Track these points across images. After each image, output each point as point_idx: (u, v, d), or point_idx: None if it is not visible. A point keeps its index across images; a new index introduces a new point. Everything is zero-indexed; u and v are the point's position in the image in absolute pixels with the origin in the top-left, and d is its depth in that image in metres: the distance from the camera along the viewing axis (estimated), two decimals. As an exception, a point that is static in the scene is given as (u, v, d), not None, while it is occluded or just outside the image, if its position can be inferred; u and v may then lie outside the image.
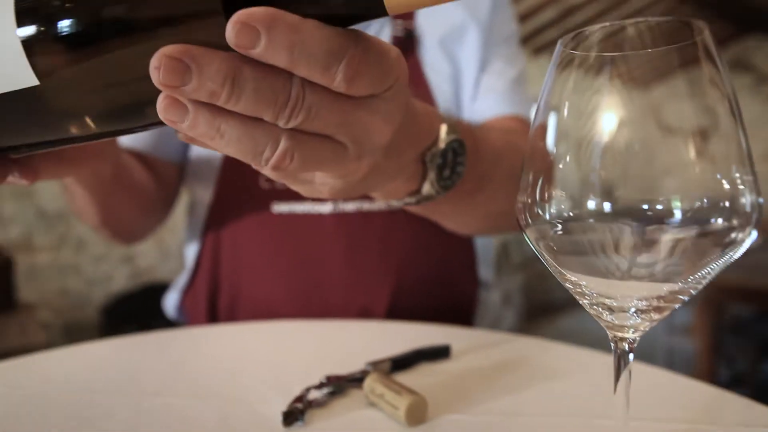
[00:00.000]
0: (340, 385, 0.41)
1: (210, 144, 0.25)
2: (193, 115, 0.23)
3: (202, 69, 0.22)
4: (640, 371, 0.44)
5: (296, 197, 0.64)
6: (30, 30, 0.23)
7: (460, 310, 0.71)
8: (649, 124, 0.25)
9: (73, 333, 2.50)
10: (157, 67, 0.22)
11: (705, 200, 0.23)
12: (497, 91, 0.70)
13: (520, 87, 0.71)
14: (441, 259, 0.67)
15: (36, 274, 2.41)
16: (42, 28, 0.23)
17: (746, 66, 6.08)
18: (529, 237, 0.25)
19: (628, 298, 0.22)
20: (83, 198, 0.58)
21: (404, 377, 0.44)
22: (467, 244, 0.70)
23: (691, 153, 0.23)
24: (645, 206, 0.24)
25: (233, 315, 0.67)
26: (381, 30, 0.68)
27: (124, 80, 0.24)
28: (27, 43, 0.23)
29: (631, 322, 0.23)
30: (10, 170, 0.33)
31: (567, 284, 0.24)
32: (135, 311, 2.54)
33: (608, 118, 0.25)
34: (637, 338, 0.24)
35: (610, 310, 0.23)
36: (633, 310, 0.22)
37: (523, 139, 0.60)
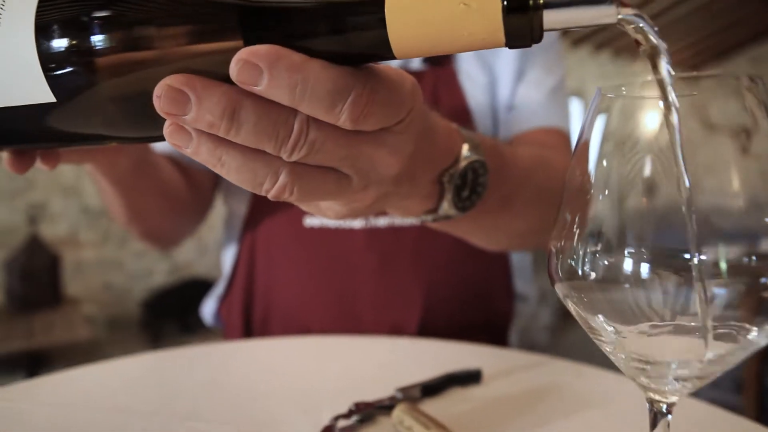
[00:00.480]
0: (368, 413, 0.41)
1: (213, 170, 0.25)
2: (196, 142, 0.24)
3: (201, 101, 0.22)
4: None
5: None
6: (48, 49, 0.24)
7: (494, 325, 0.70)
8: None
9: (115, 326, 2.59)
10: (159, 96, 0.22)
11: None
12: (534, 102, 0.68)
13: (558, 97, 0.69)
14: (473, 274, 0.66)
15: (81, 269, 2.51)
16: (61, 50, 0.24)
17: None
18: (559, 291, 0.24)
19: (667, 364, 0.21)
20: (108, 191, 0.59)
21: (434, 404, 0.44)
22: (501, 259, 0.69)
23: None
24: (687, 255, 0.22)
25: (267, 326, 0.68)
26: None
27: (136, 102, 0.24)
28: (45, 61, 0.24)
29: (670, 387, 0.21)
30: (35, 157, 0.33)
31: (598, 341, 0.23)
32: (173, 306, 2.61)
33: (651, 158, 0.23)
34: (676, 402, 0.22)
35: (647, 374, 0.22)
36: (672, 377, 0.21)
37: (557, 155, 0.59)
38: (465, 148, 0.37)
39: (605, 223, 0.23)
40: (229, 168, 0.25)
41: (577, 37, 5.02)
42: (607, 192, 0.23)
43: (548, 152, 0.57)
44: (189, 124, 0.23)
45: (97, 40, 0.23)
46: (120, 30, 0.23)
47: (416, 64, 0.66)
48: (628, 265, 0.21)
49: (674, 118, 0.23)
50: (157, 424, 0.41)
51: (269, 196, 0.26)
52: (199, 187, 0.71)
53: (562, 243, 0.24)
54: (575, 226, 0.23)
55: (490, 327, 0.69)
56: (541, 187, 0.49)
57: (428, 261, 0.63)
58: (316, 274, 0.64)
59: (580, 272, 0.22)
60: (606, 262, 0.22)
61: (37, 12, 0.24)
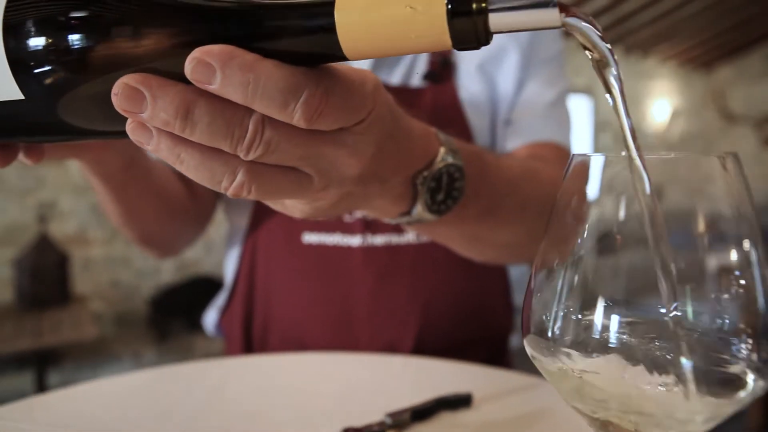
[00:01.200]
0: (357, 439, 0.42)
1: (174, 167, 0.26)
2: (156, 140, 0.25)
3: (156, 99, 0.23)
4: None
5: (326, 229, 0.64)
6: (15, 46, 0.25)
7: (492, 339, 0.70)
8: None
9: (123, 323, 2.62)
10: (116, 94, 0.23)
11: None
12: (532, 116, 0.68)
13: (557, 111, 0.69)
14: (471, 292, 0.66)
15: (90, 266, 2.54)
16: (27, 47, 0.25)
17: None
18: (527, 345, 0.25)
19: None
20: (100, 190, 0.58)
21: (424, 429, 0.44)
22: (499, 275, 0.69)
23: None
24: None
25: (266, 340, 0.69)
26: (417, 57, 0.67)
27: (100, 100, 0.25)
28: (12, 61, 0.25)
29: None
30: (17, 151, 0.34)
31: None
32: (181, 303, 2.64)
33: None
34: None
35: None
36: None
37: (547, 167, 0.58)
38: (441, 152, 0.37)
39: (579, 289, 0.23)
40: (188, 166, 0.26)
41: (587, 35, 4.97)
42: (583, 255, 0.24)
43: (538, 164, 0.57)
44: (146, 121, 0.24)
45: (61, 41, 0.24)
46: (83, 32, 0.24)
47: (416, 81, 0.66)
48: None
49: (625, 122, 0.23)
50: (151, 447, 0.42)
51: (228, 194, 0.27)
52: (200, 196, 0.71)
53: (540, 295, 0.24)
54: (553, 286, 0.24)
55: (489, 342, 0.70)
56: (527, 198, 0.49)
57: (425, 279, 0.64)
58: (313, 290, 0.65)
59: (549, 333, 0.23)
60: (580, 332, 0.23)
61: (5, 13, 0.25)
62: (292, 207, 0.33)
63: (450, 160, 0.37)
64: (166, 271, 2.74)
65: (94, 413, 0.47)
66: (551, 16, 0.21)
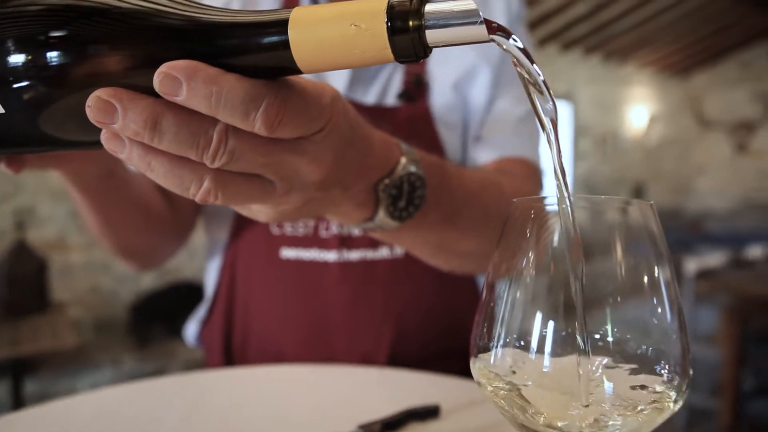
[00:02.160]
0: (328, 451, 0.44)
1: (145, 174, 0.28)
2: (128, 149, 0.27)
3: (127, 111, 0.25)
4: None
5: (303, 244, 0.66)
6: None
7: (465, 350, 0.72)
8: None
9: (102, 330, 2.60)
10: (90, 106, 0.25)
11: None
12: (501, 131, 0.70)
13: (526, 126, 0.71)
14: (445, 306, 0.68)
15: (69, 272, 2.51)
16: (6, 64, 0.26)
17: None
18: (473, 368, 0.27)
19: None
20: (78, 200, 0.59)
21: (392, 440, 0.46)
22: (471, 287, 0.72)
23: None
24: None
25: (245, 351, 0.70)
26: (392, 76, 0.69)
27: (75, 113, 0.27)
28: None
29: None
30: None
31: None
32: (162, 309, 2.62)
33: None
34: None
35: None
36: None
37: (511, 180, 0.61)
38: (402, 161, 0.39)
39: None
40: (157, 173, 0.28)
41: (567, 41, 5.06)
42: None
43: (502, 177, 0.60)
44: (118, 132, 0.26)
45: (40, 58, 0.26)
46: (61, 50, 0.25)
47: (391, 100, 0.68)
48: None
49: (553, 141, 0.25)
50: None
51: (196, 200, 0.29)
52: (180, 208, 0.72)
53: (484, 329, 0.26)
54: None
55: (462, 352, 0.72)
56: (488, 208, 0.51)
57: (399, 293, 0.66)
58: (291, 303, 0.67)
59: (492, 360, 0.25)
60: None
61: None
62: (257, 211, 0.35)
63: (411, 169, 0.39)
64: (147, 277, 2.73)
65: (72, 429, 0.49)
66: (479, 32, 0.24)
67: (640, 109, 6.00)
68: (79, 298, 2.52)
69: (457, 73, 0.69)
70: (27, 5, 0.26)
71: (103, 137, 0.27)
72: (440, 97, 0.69)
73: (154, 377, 0.59)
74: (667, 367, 0.24)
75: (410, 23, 0.23)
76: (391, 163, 0.39)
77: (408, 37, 0.24)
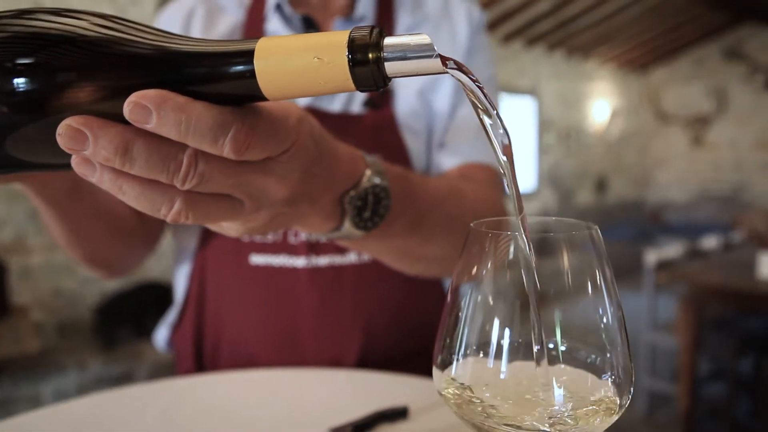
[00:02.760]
0: (300, 455, 0.45)
1: (117, 197, 0.29)
2: (99, 173, 0.28)
3: (97, 139, 0.26)
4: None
5: (272, 250, 0.67)
6: None
7: (431, 349, 0.74)
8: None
9: (67, 333, 2.54)
10: (60, 134, 0.26)
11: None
12: (464, 138, 0.72)
13: None
14: (412, 309, 0.70)
15: (30, 275, 2.44)
16: None
17: (740, 55, 6.09)
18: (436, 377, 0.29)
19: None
20: (45, 214, 0.59)
21: (363, 442, 0.48)
22: (438, 290, 0.74)
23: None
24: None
25: (217, 356, 0.71)
26: None
27: (49, 138, 0.27)
28: None
29: None
30: None
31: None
32: (128, 310, 2.57)
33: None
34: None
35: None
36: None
37: (473, 186, 0.63)
38: (367, 173, 0.41)
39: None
40: (129, 196, 0.28)
41: (531, 37, 5.14)
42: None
43: (464, 183, 0.62)
44: (89, 158, 0.27)
45: (7, 84, 0.26)
46: (30, 77, 0.26)
47: (357, 107, 0.69)
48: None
49: (506, 168, 0.27)
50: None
51: (167, 221, 0.30)
52: (147, 218, 0.71)
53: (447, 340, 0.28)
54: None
55: (428, 353, 0.74)
56: (451, 215, 0.53)
57: (367, 297, 0.67)
58: (261, 309, 0.67)
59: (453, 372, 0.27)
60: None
61: None
62: (228, 228, 0.36)
63: (376, 180, 0.41)
64: (112, 278, 2.67)
65: (43, 441, 0.48)
66: (435, 64, 0.25)
67: (601, 103, 6.16)
68: (41, 301, 2.45)
69: (421, 81, 0.71)
70: None
71: (74, 162, 0.28)
72: (405, 104, 0.70)
73: (121, 380, 0.59)
74: (612, 374, 0.26)
75: (369, 56, 0.25)
76: (357, 176, 0.40)
77: (368, 68, 0.25)
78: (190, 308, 0.72)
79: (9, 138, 0.28)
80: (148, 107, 0.25)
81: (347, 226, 0.41)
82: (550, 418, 0.26)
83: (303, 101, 0.68)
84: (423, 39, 0.25)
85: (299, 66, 0.25)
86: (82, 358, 2.42)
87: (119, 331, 2.59)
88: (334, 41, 0.25)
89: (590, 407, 0.27)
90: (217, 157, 0.28)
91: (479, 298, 0.27)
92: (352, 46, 0.25)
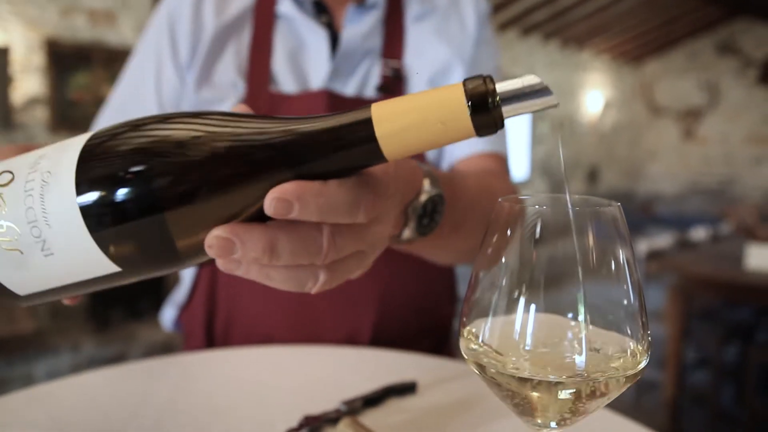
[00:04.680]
0: (316, 426, 0.46)
1: (263, 283, 0.31)
2: (245, 268, 0.30)
3: (245, 243, 0.28)
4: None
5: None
6: (103, 237, 0.28)
7: (438, 328, 0.76)
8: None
9: (59, 315, 2.53)
10: (210, 246, 0.28)
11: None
12: None
13: None
14: (421, 289, 0.72)
15: (22, 255, 2.42)
16: (113, 234, 0.28)
17: (733, 49, 6.14)
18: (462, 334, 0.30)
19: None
20: None
21: (374, 414, 0.49)
22: (448, 270, 0.75)
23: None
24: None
25: (228, 334, 0.72)
26: (371, 68, 0.70)
27: (195, 248, 0.29)
28: (103, 246, 0.29)
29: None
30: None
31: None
32: (120, 291, 2.57)
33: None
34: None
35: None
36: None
37: (498, 182, 0.65)
38: (426, 183, 0.43)
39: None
40: (276, 282, 0.31)
41: (527, 27, 5.14)
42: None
43: (491, 180, 0.64)
44: (239, 259, 0.29)
45: (144, 218, 0.28)
46: (173, 208, 0.27)
47: (370, 92, 0.70)
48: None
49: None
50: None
51: (311, 293, 0.33)
52: None
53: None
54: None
55: (436, 331, 0.76)
56: (484, 212, 0.55)
57: (381, 276, 0.68)
58: (277, 289, 0.68)
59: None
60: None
61: (81, 210, 0.28)
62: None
63: (434, 190, 0.43)
64: (105, 260, 2.66)
65: (56, 413, 0.49)
66: (551, 99, 0.26)
67: (595, 94, 6.18)
68: (33, 282, 2.44)
69: (432, 68, 0.72)
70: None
71: (220, 263, 0.30)
72: (417, 90, 0.71)
73: (114, 362, 0.60)
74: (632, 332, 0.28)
75: (489, 104, 0.26)
76: (418, 187, 0.43)
77: (490, 116, 0.26)
78: (201, 287, 0.73)
79: (156, 261, 0.30)
80: (288, 200, 0.27)
81: (407, 233, 0.44)
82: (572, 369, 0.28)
83: (317, 83, 0.69)
84: (534, 80, 0.26)
85: (423, 131, 0.26)
86: (75, 339, 2.42)
87: (112, 312, 2.59)
88: (453, 100, 0.26)
89: (618, 361, 0.28)
90: (348, 227, 0.31)
91: (503, 268, 0.29)
92: (472, 99, 0.26)
